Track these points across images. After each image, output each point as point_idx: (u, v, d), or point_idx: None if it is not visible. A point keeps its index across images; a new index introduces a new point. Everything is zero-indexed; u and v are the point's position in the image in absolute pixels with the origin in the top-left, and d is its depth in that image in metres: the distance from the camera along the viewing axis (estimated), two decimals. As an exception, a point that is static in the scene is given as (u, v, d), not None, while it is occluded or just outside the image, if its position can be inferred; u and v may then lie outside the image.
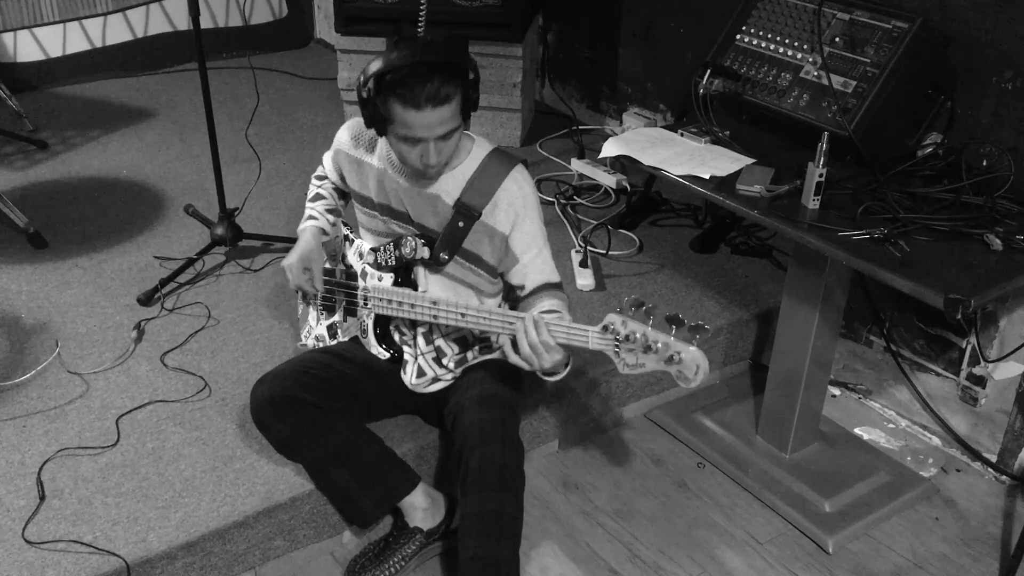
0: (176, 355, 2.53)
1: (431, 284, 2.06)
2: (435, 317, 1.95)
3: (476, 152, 1.99)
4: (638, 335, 1.69)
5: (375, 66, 1.80)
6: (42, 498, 2.05)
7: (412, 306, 1.99)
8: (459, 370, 2.10)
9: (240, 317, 2.71)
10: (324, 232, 2.20)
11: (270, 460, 2.16)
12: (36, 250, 3.01)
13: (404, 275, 2.05)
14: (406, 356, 2.12)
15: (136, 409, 2.32)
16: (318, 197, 2.23)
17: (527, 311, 1.89)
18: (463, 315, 1.90)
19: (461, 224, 1.97)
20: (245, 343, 2.59)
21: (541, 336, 1.78)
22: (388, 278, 2.06)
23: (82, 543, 1.94)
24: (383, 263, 2.07)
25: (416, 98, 1.77)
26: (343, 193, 2.25)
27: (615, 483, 2.45)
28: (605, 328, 1.72)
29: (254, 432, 2.15)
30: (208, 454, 2.19)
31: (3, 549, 1.92)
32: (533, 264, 2.02)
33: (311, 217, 2.21)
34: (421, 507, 2.11)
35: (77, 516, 2.01)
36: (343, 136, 2.11)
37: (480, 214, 1.96)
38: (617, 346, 1.72)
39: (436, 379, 2.10)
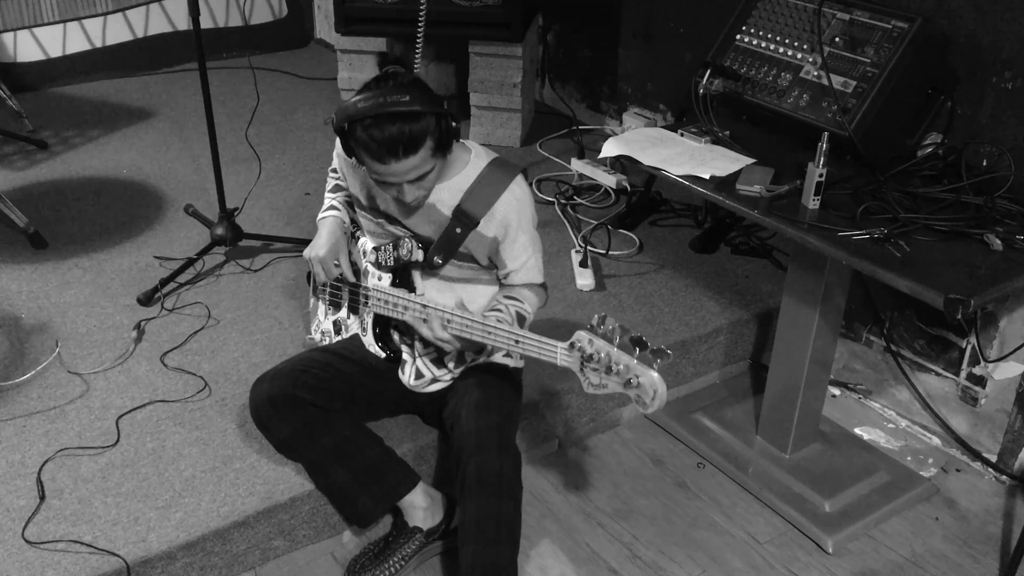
0: (176, 355, 2.53)
1: (428, 286, 2.07)
2: (425, 321, 1.95)
3: (474, 163, 1.99)
4: (602, 355, 1.67)
5: (344, 112, 1.79)
6: (42, 498, 2.05)
7: (405, 308, 1.99)
8: (458, 370, 2.10)
9: (240, 317, 2.71)
10: (343, 223, 2.18)
11: (270, 460, 2.16)
12: (36, 250, 3.01)
13: (403, 276, 2.06)
14: (404, 356, 2.12)
15: (136, 409, 2.32)
16: (337, 188, 2.22)
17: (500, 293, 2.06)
18: (448, 321, 1.90)
19: (459, 231, 1.98)
20: (245, 343, 2.59)
21: (436, 334, 1.90)
22: (387, 278, 2.07)
23: (82, 543, 1.94)
24: (383, 263, 2.07)
25: (380, 152, 1.77)
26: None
27: (615, 483, 2.45)
28: (572, 345, 1.72)
29: (254, 432, 2.15)
30: (208, 454, 2.19)
31: (3, 549, 1.92)
32: (518, 272, 2.06)
33: (333, 207, 2.18)
34: (421, 506, 2.11)
35: (77, 516, 2.01)
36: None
37: (478, 223, 1.97)
38: (583, 365, 1.70)
39: (435, 380, 2.10)
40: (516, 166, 2.02)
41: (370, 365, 2.13)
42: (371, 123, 1.75)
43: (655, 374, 1.62)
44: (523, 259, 2.04)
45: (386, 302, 2.04)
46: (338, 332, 2.22)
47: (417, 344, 2.10)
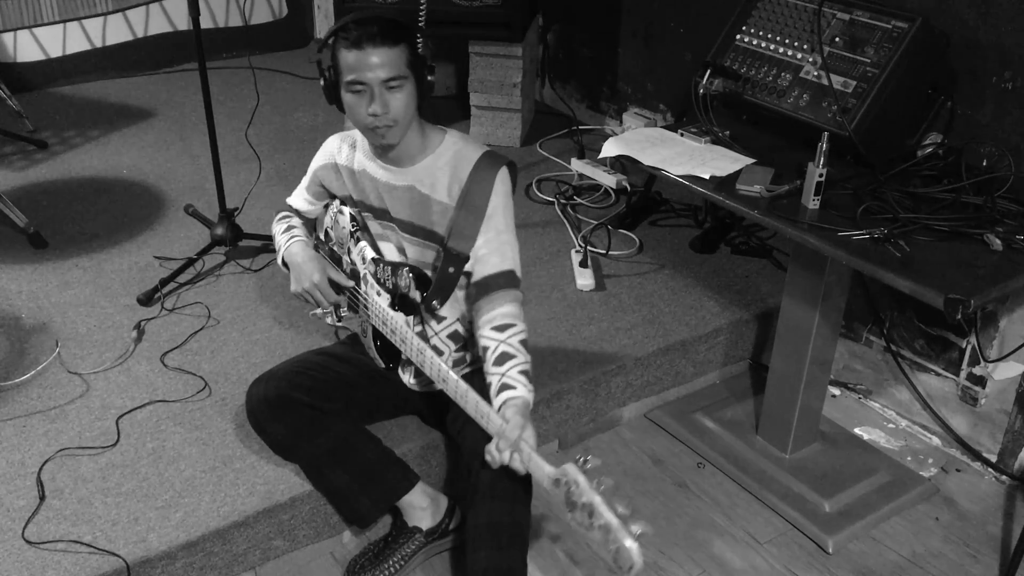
0: (176, 355, 2.53)
1: None
2: (421, 364, 1.92)
3: (448, 143, 1.96)
4: (584, 501, 1.58)
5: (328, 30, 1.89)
6: (42, 498, 2.05)
7: (402, 341, 1.97)
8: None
9: (240, 317, 2.71)
10: (307, 244, 2.13)
11: (270, 460, 2.16)
12: (36, 250, 3.01)
13: (401, 301, 2.01)
14: (404, 356, 2.11)
15: (136, 409, 2.32)
16: (290, 227, 2.17)
17: (477, 315, 1.91)
18: (444, 380, 1.85)
19: (451, 270, 1.93)
20: (245, 343, 2.59)
21: (504, 458, 1.77)
22: (386, 298, 2.04)
23: (82, 543, 1.94)
24: (382, 280, 2.05)
25: (357, 38, 1.82)
26: (312, 227, 2.24)
27: (615, 483, 2.44)
28: (556, 482, 1.65)
29: (254, 432, 2.14)
30: (208, 454, 2.19)
31: (3, 549, 1.92)
32: (487, 259, 1.94)
33: (293, 237, 2.12)
34: (420, 506, 2.11)
35: (77, 516, 2.01)
36: (323, 149, 2.11)
37: (467, 259, 1.92)
38: (570, 506, 1.62)
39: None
40: (503, 158, 1.96)
41: (369, 368, 2.13)
42: (354, 18, 1.85)
43: (635, 546, 1.51)
44: (493, 239, 1.93)
45: (384, 323, 2.02)
46: (338, 311, 2.20)
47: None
